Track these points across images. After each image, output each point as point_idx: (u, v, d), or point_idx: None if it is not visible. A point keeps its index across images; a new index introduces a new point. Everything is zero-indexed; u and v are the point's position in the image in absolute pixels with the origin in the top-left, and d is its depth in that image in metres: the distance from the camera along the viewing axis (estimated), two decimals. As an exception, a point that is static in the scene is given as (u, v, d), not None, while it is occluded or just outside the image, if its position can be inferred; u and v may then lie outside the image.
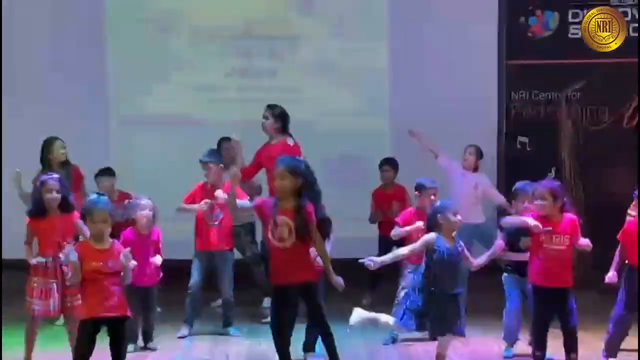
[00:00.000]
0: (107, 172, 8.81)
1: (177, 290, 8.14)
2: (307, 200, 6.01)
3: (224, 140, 8.87)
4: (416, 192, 7.66)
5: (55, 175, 6.65)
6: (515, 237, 6.82)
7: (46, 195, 6.51)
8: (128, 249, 5.77)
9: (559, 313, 6.50)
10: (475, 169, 9.15)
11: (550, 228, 6.41)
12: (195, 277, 7.95)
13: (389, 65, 10.63)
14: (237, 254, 8.60)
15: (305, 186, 6.03)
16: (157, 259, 7.32)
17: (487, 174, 10.28)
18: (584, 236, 6.61)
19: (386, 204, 9.35)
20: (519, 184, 7.23)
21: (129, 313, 5.78)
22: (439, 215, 6.35)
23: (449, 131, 9.95)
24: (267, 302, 8.28)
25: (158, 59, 10.51)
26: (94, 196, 5.86)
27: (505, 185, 10.31)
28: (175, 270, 7.84)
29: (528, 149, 10.74)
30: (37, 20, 10.43)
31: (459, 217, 6.36)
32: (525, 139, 10.76)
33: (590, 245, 6.51)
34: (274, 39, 10.58)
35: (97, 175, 8.77)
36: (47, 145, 8.48)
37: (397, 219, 7.70)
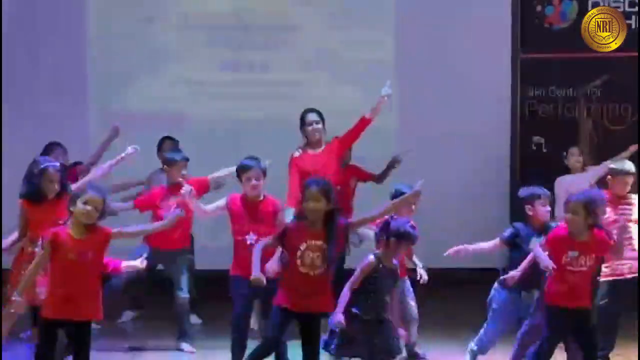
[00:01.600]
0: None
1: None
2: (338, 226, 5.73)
3: (166, 140, 8.69)
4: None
5: (56, 163, 6.56)
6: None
7: (46, 185, 6.41)
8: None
9: (578, 334, 6.07)
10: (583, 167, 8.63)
11: (577, 253, 5.89)
12: None
13: (395, 59, 10.25)
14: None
15: (333, 211, 5.73)
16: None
17: (500, 176, 10.26)
18: None
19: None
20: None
21: (99, 316, 5.54)
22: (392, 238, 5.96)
23: (458, 129, 9.99)
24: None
25: (142, 51, 10.16)
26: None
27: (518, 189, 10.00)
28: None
29: (544, 150, 10.36)
30: (16, 9, 10.01)
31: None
32: (540, 139, 10.38)
33: None
34: (269, 29, 10.22)
35: None
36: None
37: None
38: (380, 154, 9.34)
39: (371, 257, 5.90)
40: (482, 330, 6.71)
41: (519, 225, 6.50)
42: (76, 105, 10.02)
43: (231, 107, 9.98)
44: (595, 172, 7.55)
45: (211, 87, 10.15)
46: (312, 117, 7.86)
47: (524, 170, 10.26)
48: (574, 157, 8.47)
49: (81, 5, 10.13)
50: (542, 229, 6.33)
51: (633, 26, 10.12)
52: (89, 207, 5.35)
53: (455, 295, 9.04)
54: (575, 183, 8.32)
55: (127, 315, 8.50)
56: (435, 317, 7.94)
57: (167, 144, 8.62)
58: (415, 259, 6.89)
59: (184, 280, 7.45)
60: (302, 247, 5.64)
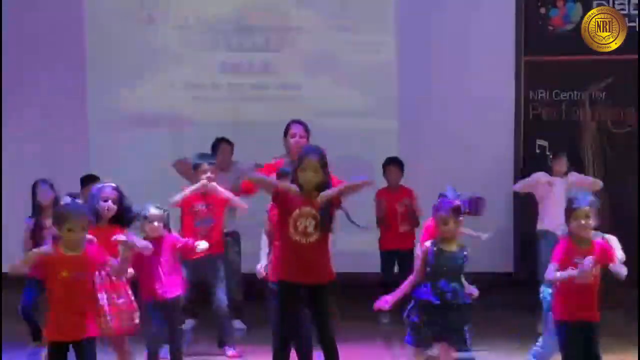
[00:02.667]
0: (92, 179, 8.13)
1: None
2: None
3: (221, 141, 8.50)
4: None
5: (112, 184, 6.35)
6: None
7: (100, 203, 6.19)
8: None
9: (585, 350, 5.85)
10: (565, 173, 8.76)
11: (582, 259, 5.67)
12: None
13: (396, 61, 10.15)
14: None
15: (326, 183, 5.69)
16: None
17: (503, 179, 10.09)
18: None
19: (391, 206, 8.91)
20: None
21: (94, 333, 5.46)
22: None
23: (460, 133, 9.88)
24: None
25: (142, 52, 10.09)
26: (69, 200, 5.75)
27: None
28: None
29: (548, 153, 10.13)
30: (15, 10, 10.00)
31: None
32: (544, 143, 10.26)
33: (624, 272, 5.78)
34: (270, 31, 10.14)
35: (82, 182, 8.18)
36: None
37: (422, 239, 6.92)
38: (381, 156, 9.31)
39: (427, 243, 5.96)
40: (539, 343, 6.49)
41: None
42: (75, 106, 9.94)
43: (231, 109, 9.92)
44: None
45: (211, 89, 10.09)
46: (297, 129, 7.31)
47: (528, 174, 10.01)
48: (558, 165, 8.61)
49: (80, 5, 10.06)
50: None
51: (637, 28, 10.02)
52: (79, 235, 5.29)
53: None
54: (556, 185, 8.51)
55: (189, 323, 8.11)
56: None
57: (222, 147, 8.48)
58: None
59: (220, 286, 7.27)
60: (295, 213, 5.56)
